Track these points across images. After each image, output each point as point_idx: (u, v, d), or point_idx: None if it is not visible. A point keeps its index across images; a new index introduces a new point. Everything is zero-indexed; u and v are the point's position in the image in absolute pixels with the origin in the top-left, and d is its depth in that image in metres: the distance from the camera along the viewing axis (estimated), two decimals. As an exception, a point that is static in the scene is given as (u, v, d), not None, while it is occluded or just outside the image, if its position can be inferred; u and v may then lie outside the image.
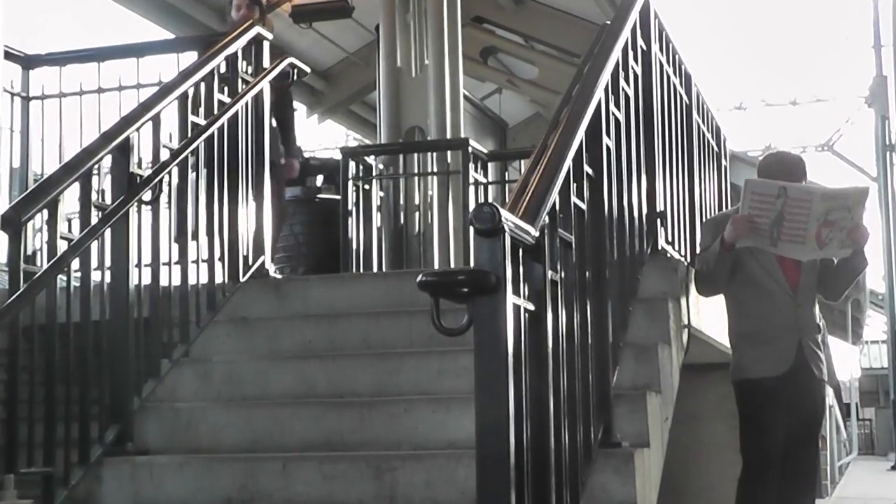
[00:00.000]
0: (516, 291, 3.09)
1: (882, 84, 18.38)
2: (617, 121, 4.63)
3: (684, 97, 6.27)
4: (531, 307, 3.24)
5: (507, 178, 9.25)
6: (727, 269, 5.20)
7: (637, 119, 5.06)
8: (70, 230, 4.96)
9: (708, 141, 7.06)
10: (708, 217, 6.44)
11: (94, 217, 4.86)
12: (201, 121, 5.71)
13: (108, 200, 5.01)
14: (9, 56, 6.49)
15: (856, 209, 5.05)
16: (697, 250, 5.86)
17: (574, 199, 3.89)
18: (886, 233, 18.00)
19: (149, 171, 5.17)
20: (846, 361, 26.26)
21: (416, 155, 8.76)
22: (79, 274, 4.78)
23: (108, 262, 4.98)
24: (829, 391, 13.53)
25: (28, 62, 6.71)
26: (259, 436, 4.77)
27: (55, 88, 6.67)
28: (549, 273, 3.42)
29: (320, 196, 9.34)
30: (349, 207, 8.29)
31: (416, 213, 8.85)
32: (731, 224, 5.07)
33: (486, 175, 8.51)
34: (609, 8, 10.24)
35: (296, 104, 12.84)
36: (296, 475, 4.36)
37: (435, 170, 8.65)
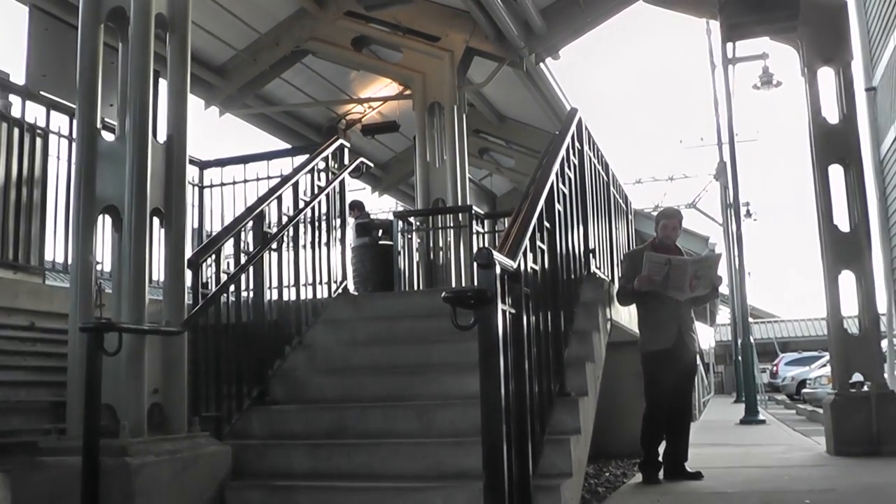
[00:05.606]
0: (504, 301, 3.06)
1: (723, 167, 18.54)
2: (564, 193, 4.60)
3: (604, 176, 6.23)
4: (513, 311, 3.21)
5: (496, 230, 9.17)
6: (636, 298, 5.30)
7: (576, 192, 5.03)
8: (228, 267, 4.93)
9: (619, 204, 7.02)
10: (624, 252, 6.41)
11: (242, 258, 4.85)
12: (307, 198, 5.70)
13: (251, 248, 5.00)
14: (191, 162, 6.54)
15: (714, 267, 5.27)
16: (618, 273, 5.85)
17: (539, 243, 3.86)
18: (730, 259, 17.93)
19: (275, 230, 5.17)
20: (706, 337, 26.16)
21: (439, 216, 8.72)
22: (234, 294, 4.77)
23: (251, 286, 4.96)
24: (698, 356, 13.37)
25: (202, 165, 6.78)
26: (346, 392, 4.73)
27: (218, 180, 6.71)
28: (524, 289, 3.39)
29: (381, 242, 9.33)
30: (399, 249, 8.27)
31: (441, 253, 8.79)
32: (638, 280, 5.15)
33: (483, 227, 8.47)
34: (559, 123, 10.19)
35: (364, 184, 12.93)
36: (369, 416, 4.32)
37: (451, 225, 8.60)
